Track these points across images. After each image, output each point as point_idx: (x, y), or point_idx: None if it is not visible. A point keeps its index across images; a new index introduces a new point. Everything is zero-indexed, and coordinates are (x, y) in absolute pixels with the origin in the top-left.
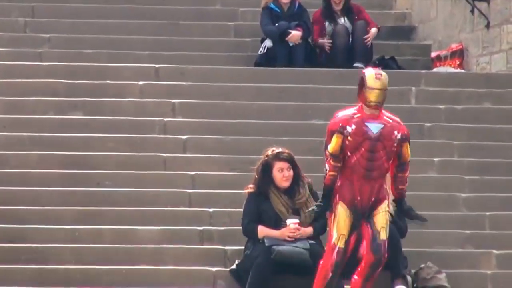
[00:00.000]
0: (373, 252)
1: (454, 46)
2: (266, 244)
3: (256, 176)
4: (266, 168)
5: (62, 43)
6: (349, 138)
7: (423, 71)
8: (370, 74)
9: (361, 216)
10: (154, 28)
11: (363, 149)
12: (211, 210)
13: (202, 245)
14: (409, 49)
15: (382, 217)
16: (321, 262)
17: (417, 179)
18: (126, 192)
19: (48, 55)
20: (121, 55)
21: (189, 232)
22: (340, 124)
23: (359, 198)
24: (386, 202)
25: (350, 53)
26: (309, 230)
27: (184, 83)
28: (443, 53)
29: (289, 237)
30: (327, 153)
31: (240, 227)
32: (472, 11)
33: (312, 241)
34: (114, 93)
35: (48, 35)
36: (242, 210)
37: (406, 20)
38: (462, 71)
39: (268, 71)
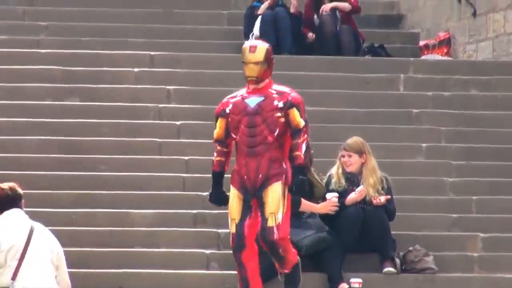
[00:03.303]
0: (263, 240)
1: (442, 34)
2: None
3: None
4: None
5: (59, 31)
6: (229, 119)
7: (412, 58)
8: (245, 46)
9: (252, 196)
10: (149, 17)
11: (242, 126)
12: (204, 194)
13: (196, 228)
14: (398, 37)
15: (273, 202)
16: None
17: (405, 164)
18: (122, 176)
19: (46, 42)
20: (116, 42)
21: (183, 215)
22: (221, 108)
23: (245, 177)
24: (279, 182)
25: (338, 41)
26: None
27: (178, 70)
28: (431, 42)
29: (331, 210)
30: (213, 140)
31: None
32: (459, 0)
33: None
34: (110, 80)
35: (45, 23)
36: None
37: (395, 9)
38: (450, 58)
39: None
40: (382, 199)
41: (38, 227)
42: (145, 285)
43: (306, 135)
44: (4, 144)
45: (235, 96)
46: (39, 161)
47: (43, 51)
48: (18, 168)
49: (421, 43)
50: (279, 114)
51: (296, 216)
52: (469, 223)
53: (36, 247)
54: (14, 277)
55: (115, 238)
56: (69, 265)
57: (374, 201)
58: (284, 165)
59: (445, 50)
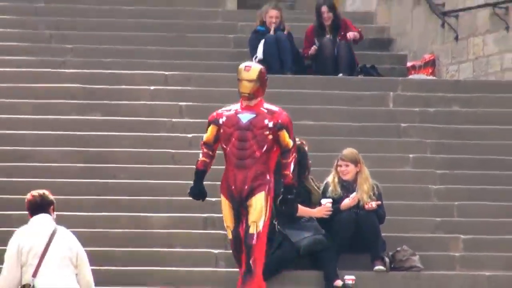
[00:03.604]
0: (245, 244)
1: (427, 56)
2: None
3: None
4: None
5: (83, 53)
6: (221, 129)
7: (400, 78)
8: (241, 66)
9: (239, 204)
10: (164, 40)
11: (233, 139)
12: (213, 199)
13: (206, 230)
14: (387, 58)
15: (255, 211)
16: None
17: (394, 173)
18: (139, 184)
19: (71, 63)
20: (134, 63)
21: (195, 219)
22: (215, 117)
23: (233, 187)
24: (263, 192)
25: (336, 63)
26: None
27: (190, 88)
28: (417, 63)
29: (325, 215)
30: (201, 142)
31: None
32: (442, 26)
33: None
34: (128, 97)
35: (70, 46)
36: None
37: (385, 33)
38: (434, 78)
39: None
40: (374, 204)
41: (61, 230)
42: (161, 281)
43: (294, 154)
44: (33, 155)
45: (229, 110)
46: (64, 170)
47: (68, 71)
48: (45, 176)
49: (409, 64)
50: (267, 132)
51: (295, 220)
52: (451, 226)
53: (56, 248)
54: (34, 275)
55: (134, 239)
56: (92, 264)
57: (366, 206)
58: (267, 177)
59: (430, 71)
